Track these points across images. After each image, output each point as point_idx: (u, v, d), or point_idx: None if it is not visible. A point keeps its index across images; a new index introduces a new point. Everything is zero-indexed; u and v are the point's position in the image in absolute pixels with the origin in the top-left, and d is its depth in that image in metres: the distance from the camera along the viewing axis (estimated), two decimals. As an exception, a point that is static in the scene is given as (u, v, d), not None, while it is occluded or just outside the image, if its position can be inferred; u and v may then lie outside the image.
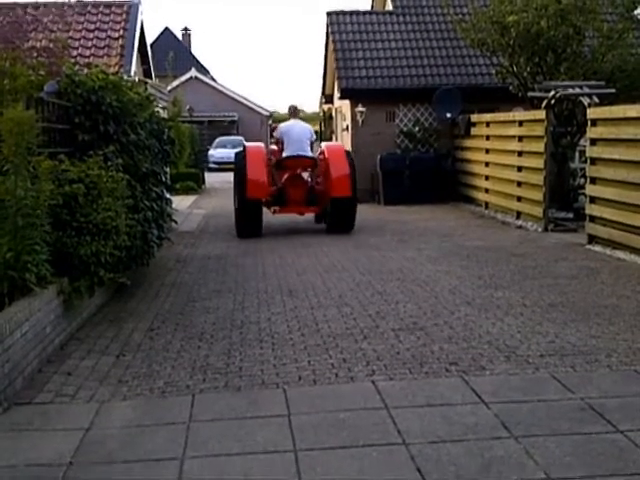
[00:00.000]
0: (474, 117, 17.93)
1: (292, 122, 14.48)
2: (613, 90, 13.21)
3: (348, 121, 20.20)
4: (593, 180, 11.82)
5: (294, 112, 15.05)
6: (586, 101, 12.24)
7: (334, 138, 24.33)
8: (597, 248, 11.37)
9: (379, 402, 5.01)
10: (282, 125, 14.65)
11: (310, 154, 14.07)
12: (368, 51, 20.23)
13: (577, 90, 12.92)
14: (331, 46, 20.90)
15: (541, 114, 13.75)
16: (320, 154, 14.29)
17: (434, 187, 18.70)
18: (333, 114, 24.91)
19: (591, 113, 11.95)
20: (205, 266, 10.59)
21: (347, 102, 20.04)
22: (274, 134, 14.78)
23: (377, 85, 19.51)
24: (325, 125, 27.72)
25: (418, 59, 20.11)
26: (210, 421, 4.80)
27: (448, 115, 18.98)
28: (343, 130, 21.24)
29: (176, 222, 11.70)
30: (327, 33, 21.45)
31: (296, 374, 5.65)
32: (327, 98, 24.68)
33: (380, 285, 8.80)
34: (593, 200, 11.82)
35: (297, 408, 4.95)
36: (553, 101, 13.57)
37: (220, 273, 9.99)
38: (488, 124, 16.92)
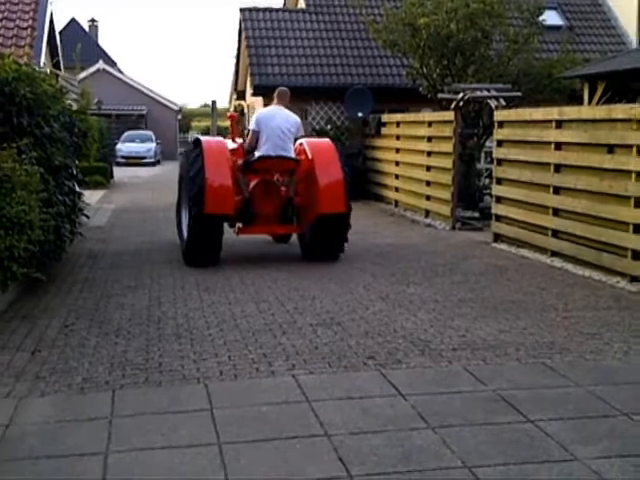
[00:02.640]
0: (385, 117, 18.24)
1: (273, 109, 10.47)
2: (519, 93, 13.70)
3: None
4: (499, 180, 12.23)
5: (281, 96, 10.62)
6: (493, 104, 12.65)
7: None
8: (502, 246, 11.78)
9: (300, 395, 5.11)
10: (259, 112, 10.70)
11: (293, 155, 10.20)
12: (281, 48, 20.34)
13: (485, 93, 13.33)
14: (244, 42, 20.91)
15: (450, 115, 14.12)
16: (300, 154, 10.43)
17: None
18: (245, 110, 24.90)
19: (498, 115, 12.35)
20: (118, 262, 10.47)
21: (260, 99, 20.08)
22: (250, 126, 10.58)
23: (290, 83, 19.58)
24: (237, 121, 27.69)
25: (330, 58, 20.33)
26: (132, 416, 4.80)
27: (359, 114, 19.25)
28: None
29: (87, 217, 11.52)
30: (240, 29, 21.45)
31: (217, 369, 5.70)
32: (239, 94, 24.67)
33: (297, 281, 8.91)
34: (499, 200, 12.22)
35: (219, 402, 5.00)
36: (462, 103, 13.96)
37: (134, 269, 9.90)
38: (398, 124, 17.24)
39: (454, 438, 4.40)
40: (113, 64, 50.42)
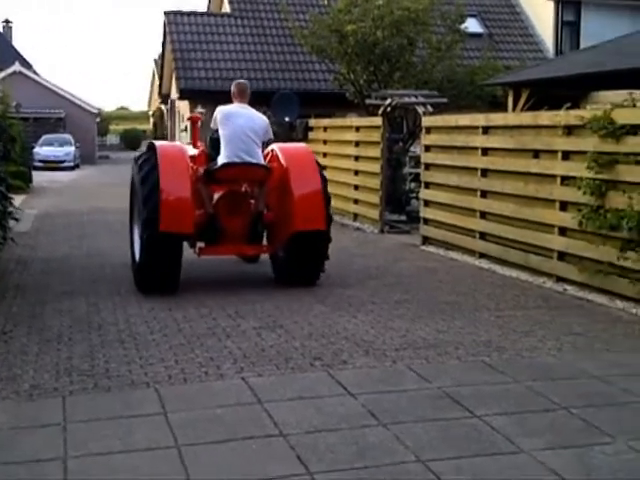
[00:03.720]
0: (312, 122, 18.40)
1: (235, 107, 8.89)
2: (445, 100, 14.06)
3: (187, 122, 20.17)
4: (427, 185, 12.52)
5: (241, 92, 9.05)
6: (421, 110, 12.95)
7: (169, 138, 24.17)
8: (431, 249, 12.08)
9: (252, 397, 5.20)
10: (221, 110, 8.85)
11: (262, 161, 8.77)
12: (206, 52, 20.35)
13: (412, 99, 13.64)
14: (169, 46, 20.81)
15: (378, 121, 14.38)
16: (272, 161, 9.04)
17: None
18: (165, 114, 24.76)
19: (426, 121, 12.65)
20: (48, 268, 10.33)
21: (186, 102, 20.04)
22: (212, 125, 9.02)
23: (217, 87, 19.66)
24: (157, 125, 27.49)
25: (256, 62, 20.44)
26: (86, 422, 4.81)
27: (286, 119, 19.35)
28: (182, 131, 21.21)
29: (17, 219, 11.27)
30: (165, 32, 21.33)
31: (165, 373, 5.74)
32: (164, 98, 24.51)
33: (236, 288, 8.96)
34: (427, 203, 12.52)
35: (172, 406, 5.05)
36: (389, 109, 14.23)
37: (65, 275, 9.79)
38: (326, 129, 17.43)
39: (406, 434, 4.56)
40: (29, 66, 49.30)
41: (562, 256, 9.19)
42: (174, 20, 20.77)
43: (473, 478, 4.03)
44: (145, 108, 74.25)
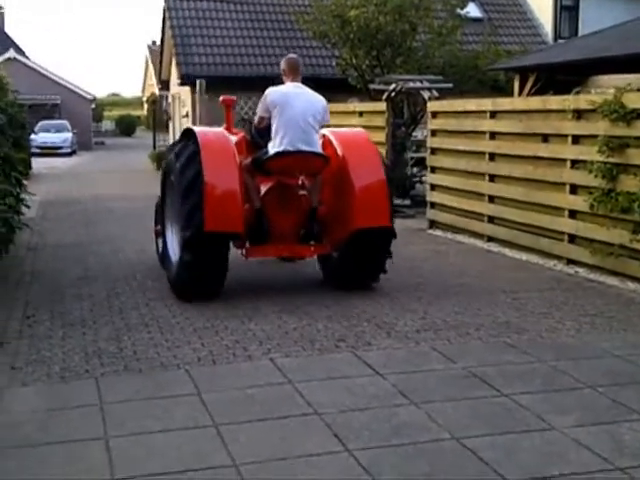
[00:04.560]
0: (313, 107, 18.41)
1: (292, 88, 7.70)
2: (451, 85, 14.13)
3: (188, 107, 20.20)
4: (433, 169, 12.60)
5: (293, 69, 7.89)
6: (427, 94, 13.02)
7: (171, 125, 24.17)
8: (438, 232, 12.17)
9: (282, 377, 5.29)
10: (273, 92, 7.61)
11: (320, 150, 7.68)
12: (207, 38, 20.33)
13: (418, 84, 13.70)
14: (169, 32, 20.78)
15: (382, 106, 14.44)
16: (325, 148, 7.86)
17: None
18: (163, 101, 24.74)
19: (432, 106, 12.72)
20: (61, 254, 10.38)
21: (187, 88, 20.03)
22: (259, 110, 7.73)
23: (217, 72, 19.65)
24: (155, 111, 27.47)
25: (257, 48, 20.43)
26: (122, 402, 4.89)
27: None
28: (183, 117, 21.21)
29: (29, 207, 11.32)
30: (164, 18, 21.30)
31: (194, 355, 5.82)
32: (163, 84, 24.49)
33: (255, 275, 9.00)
34: (433, 187, 12.60)
35: (205, 387, 5.13)
36: (393, 94, 14.29)
37: (79, 261, 9.84)
38: (328, 114, 17.44)
39: (437, 412, 4.66)
40: (22, 53, 49.06)
41: (573, 239, 9.29)
42: (174, 5, 20.74)
43: (508, 454, 4.13)
44: (137, 94, 74.13)
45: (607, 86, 11.44)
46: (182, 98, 21.36)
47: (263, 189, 7.85)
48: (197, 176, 7.29)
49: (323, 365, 5.56)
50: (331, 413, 4.66)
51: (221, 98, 8.65)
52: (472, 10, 21.00)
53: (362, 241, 7.65)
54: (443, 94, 13.94)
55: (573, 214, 9.25)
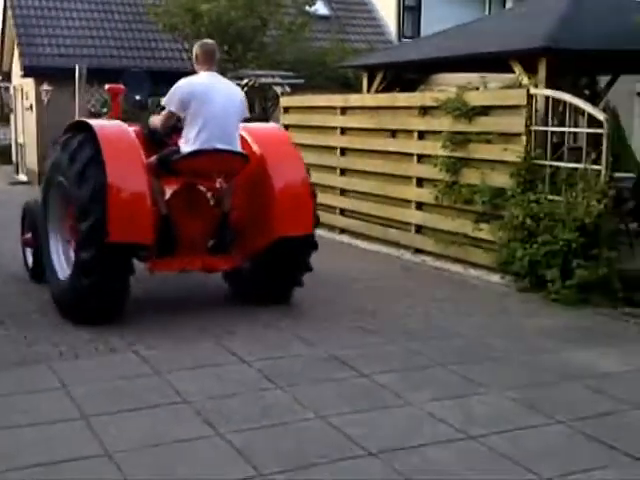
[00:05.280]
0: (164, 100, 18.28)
1: (208, 78, 6.72)
2: (302, 80, 14.42)
3: (32, 100, 19.51)
4: (286, 163, 12.83)
5: (208, 56, 6.82)
6: (279, 90, 13.26)
7: (12, 118, 23.26)
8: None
9: (149, 369, 5.36)
10: (188, 83, 6.65)
11: (240, 149, 6.77)
12: (51, 28, 19.66)
13: (270, 79, 13.92)
14: (10, 21, 19.99)
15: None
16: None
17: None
18: (10, 92, 23.79)
19: (284, 101, 12.97)
20: None
21: (30, 80, 19.35)
22: (168, 102, 6.65)
23: (64, 64, 18.96)
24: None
25: (104, 39, 19.96)
26: (-16, 399, 4.82)
27: (137, 97, 19.12)
28: (26, 109, 20.47)
29: None
30: (5, 7, 20.47)
31: (55, 350, 5.76)
32: (4, 75, 23.51)
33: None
34: (287, 181, 12.83)
35: (71, 380, 5.12)
36: (246, 89, 14.44)
37: None
38: (179, 108, 17.38)
39: (302, 394, 4.88)
40: None
41: (419, 229, 9.78)
42: (15, -6, 19.98)
43: (370, 429, 4.39)
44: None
45: (448, 84, 12.04)
46: (25, 90, 20.60)
47: (168, 192, 6.83)
48: (99, 178, 6.17)
49: (190, 355, 5.66)
50: (200, 400, 4.77)
51: (107, 86, 8.00)
52: (320, 8, 21.42)
53: (282, 251, 6.82)
54: (294, 90, 14.23)
55: (420, 206, 9.74)
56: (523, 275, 7.79)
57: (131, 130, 6.78)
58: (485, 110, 8.69)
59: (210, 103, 6.50)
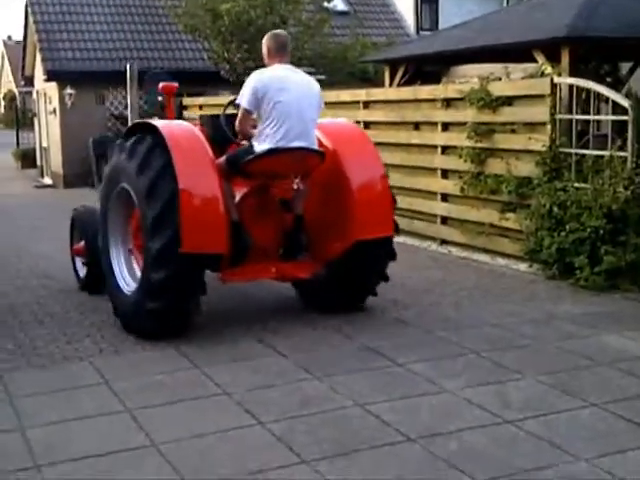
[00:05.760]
0: (186, 100, 18.45)
1: (282, 71, 6.19)
2: (323, 77, 14.51)
3: (55, 104, 19.74)
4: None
5: (281, 48, 6.32)
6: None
7: (37, 122, 23.53)
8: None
9: (188, 363, 5.48)
10: (260, 77, 6.09)
11: (316, 145, 6.24)
12: (73, 33, 19.89)
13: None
14: (32, 27, 20.22)
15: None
16: None
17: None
18: (34, 96, 24.08)
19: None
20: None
21: (53, 84, 19.58)
22: (244, 102, 6.04)
23: (85, 67, 19.30)
24: (16, 108, 26.65)
25: (124, 42, 20.17)
26: (31, 396, 4.95)
27: (159, 98, 19.27)
28: (50, 113, 20.71)
29: None
30: (27, 13, 20.71)
31: (95, 348, 5.91)
32: (27, 80, 23.78)
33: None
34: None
35: (112, 376, 5.25)
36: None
37: None
38: (201, 107, 17.54)
39: (339, 384, 4.98)
40: None
41: (445, 220, 9.85)
42: (36, 0, 20.21)
43: (408, 415, 4.49)
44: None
45: (470, 75, 12.10)
46: (48, 94, 20.83)
47: (237, 195, 6.33)
48: (172, 197, 5.73)
49: (228, 350, 5.76)
50: (239, 393, 4.89)
51: (161, 85, 7.46)
52: (338, 4, 21.51)
53: (360, 254, 6.32)
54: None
55: (445, 197, 9.81)
56: (551, 263, 7.84)
57: (198, 130, 6.30)
58: (509, 100, 8.73)
59: (286, 97, 5.96)
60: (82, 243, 7.69)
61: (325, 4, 18.26)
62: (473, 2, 23.14)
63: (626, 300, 7.03)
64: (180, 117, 18.29)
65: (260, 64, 15.28)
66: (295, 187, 6.27)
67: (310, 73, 14.38)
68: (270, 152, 5.98)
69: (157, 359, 5.62)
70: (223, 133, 6.46)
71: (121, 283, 6.42)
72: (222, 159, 6.21)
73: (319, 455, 4.01)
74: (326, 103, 12.27)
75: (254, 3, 15.71)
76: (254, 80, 6.04)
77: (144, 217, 5.87)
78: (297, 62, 16.25)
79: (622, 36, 9.07)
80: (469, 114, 9.16)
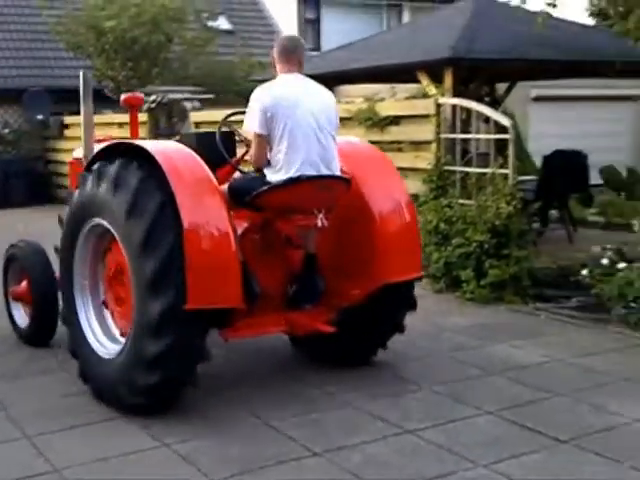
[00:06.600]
0: (68, 119, 18.05)
1: (294, 81, 5.15)
2: (211, 95, 14.53)
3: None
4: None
5: (292, 53, 5.21)
6: (189, 105, 13.34)
7: None
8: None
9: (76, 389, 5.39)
10: (266, 92, 5.02)
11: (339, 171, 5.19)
12: (-54, 48, 19.19)
13: (179, 95, 13.98)
14: None
15: (143, 117, 14.52)
16: None
17: (26, 190, 18.40)
18: None
19: (196, 117, 13.07)
20: None
21: None
22: (252, 125, 4.97)
23: (-41, 85, 18.65)
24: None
25: (3, 60, 19.60)
26: None
27: (39, 117, 18.82)
28: None
29: None
30: None
31: (-9, 372, 5.74)
32: None
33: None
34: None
35: (10, 401, 5.12)
36: (154, 105, 14.44)
37: None
38: (85, 126, 17.18)
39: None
40: None
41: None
42: None
43: (312, 430, 4.58)
44: None
45: (355, 95, 12.38)
46: None
47: (239, 230, 5.03)
48: (176, 246, 4.56)
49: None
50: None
51: (123, 97, 6.60)
52: (222, 23, 21.56)
53: (381, 301, 5.33)
54: (204, 105, 14.31)
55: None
56: (439, 277, 8.11)
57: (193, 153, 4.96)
58: (396, 120, 9.02)
59: (301, 115, 4.95)
60: (24, 285, 6.38)
61: (210, 23, 18.28)
62: (355, 23, 23.66)
63: (511, 311, 7.37)
64: (61, 136, 18.04)
65: (144, 82, 15.15)
66: (320, 224, 5.01)
67: (196, 92, 14.53)
68: (288, 182, 4.92)
69: (64, 380, 5.49)
70: (218, 154, 5.35)
71: (94, 345, 5.17)
72: (224, 187, 5.09)
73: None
74: (214, 123, 12.44)
75: (139, 20, 15.58)
76: (259, 97, 5.00)
77: (138, 271, 4.62)
78: (182, 81, 16.28)
79: (500, 58, 9.49)
80: (358, 133, 9.37)
